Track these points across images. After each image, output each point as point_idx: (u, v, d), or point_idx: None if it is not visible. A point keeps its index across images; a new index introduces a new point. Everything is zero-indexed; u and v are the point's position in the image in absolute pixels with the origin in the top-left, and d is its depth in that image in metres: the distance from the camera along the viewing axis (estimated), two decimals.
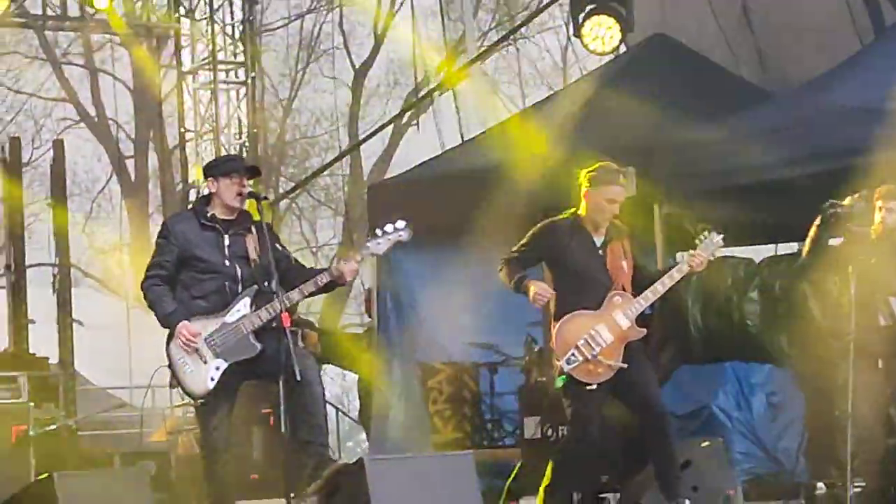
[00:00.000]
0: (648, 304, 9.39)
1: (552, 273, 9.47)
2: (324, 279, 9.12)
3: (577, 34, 13.81)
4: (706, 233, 9.42)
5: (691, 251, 9.42)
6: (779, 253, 12.94)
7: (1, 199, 16.14)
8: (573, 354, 9.23)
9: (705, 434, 10.56)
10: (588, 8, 13.63)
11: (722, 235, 9.45)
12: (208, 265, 9.12)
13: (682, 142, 12.03)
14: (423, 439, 12.84)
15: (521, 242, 9.55)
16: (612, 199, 9.39)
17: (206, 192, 9.47)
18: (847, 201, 9.94)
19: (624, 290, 9.37)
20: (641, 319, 9.46)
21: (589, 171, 9.49)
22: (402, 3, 27.63)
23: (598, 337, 9.26)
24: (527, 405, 12.08)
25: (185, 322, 9.03)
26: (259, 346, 9.07)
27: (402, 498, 8.62)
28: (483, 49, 22.24)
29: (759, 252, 13.04)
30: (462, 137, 15.80)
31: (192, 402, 9.55)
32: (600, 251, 9.42)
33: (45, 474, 8.15)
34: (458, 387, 13.13)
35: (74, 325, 15.84)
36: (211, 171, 9.40)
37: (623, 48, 14.06)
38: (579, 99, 13.74)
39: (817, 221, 10.03)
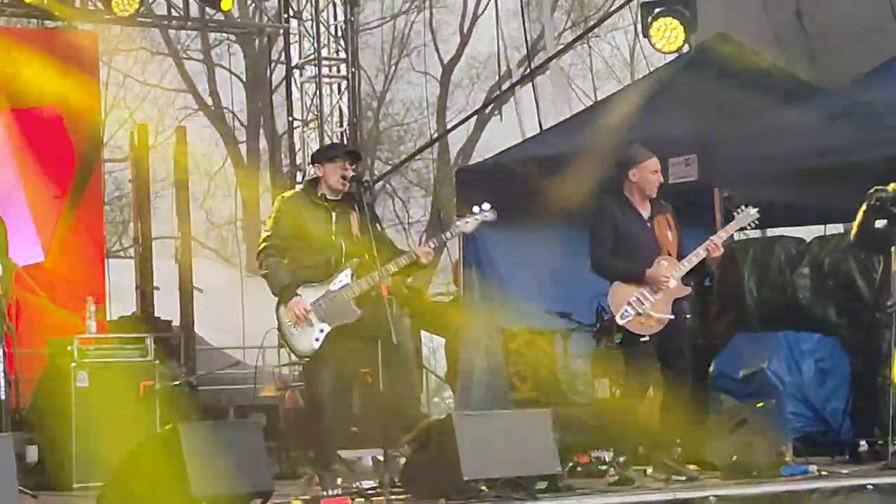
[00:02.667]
0: (692, 265, 9.58)
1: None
2: (404, 260, 9.21)
3: (646, 34, 13.72)
4: (742, 206, 9.67)
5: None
6: (827, 233, 12.81)
7: (130, 178, 16.24)
8: (626, 310, 9.45)
9: (760, 396, 10.50)
10: (655, 10, 13.56)
11: (756, 210, 9.66)
12: (316, 239, 9.17)
13: (738, 131, 11.96)
14: (503, 397, 12.82)
15: (600, 233, 9.60)
16: (654, 169, 9.63)
17: (313, 175, 9.54)
18: (891, 187, 9.95)
19: (669, 255, 9.57)
20: (702, 292, 9.59)
21: (626, 155, 9.64)
22: (486, 5, 27.60)
23: (648, 294, 9.42)
24: (597, 368, 12.11)
25: (298, 298, 9.08)
26: (359, 311, 9.12)
27: (486, 449, 8.59)
28: (559, 47, 22.13)
29: (809, 232, 12.94)
30: (540, 126, 15.68)
31: (298, 360, 9.59)
32: (648, 223, 9.59)
33: (170, 425, 8.17)
34: (535, 350, 13.08)
35: (194, 291, 15.92)
36: (318, 156, 9.47)
37: (686, 47, 13.94)
38: (646, 92, 13.68)
39: (863, 205, 10.00)
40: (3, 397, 8.56)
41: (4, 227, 8.91)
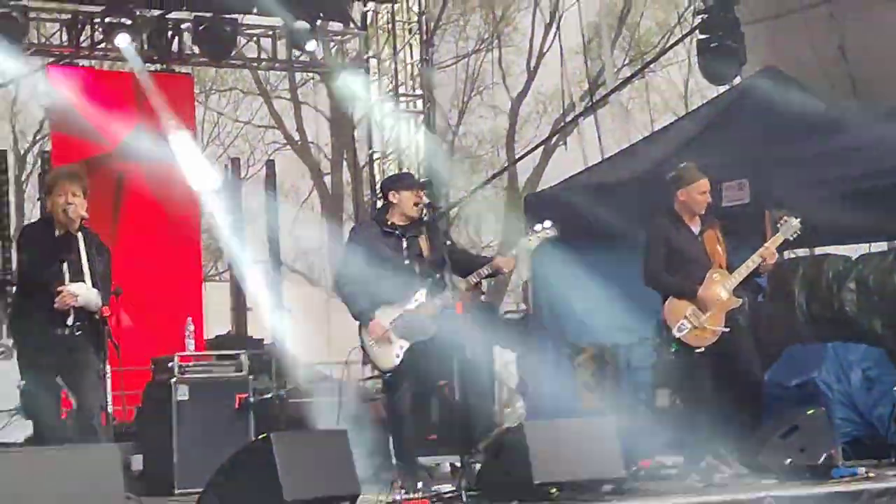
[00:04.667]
0: (742, 277, 9.44)
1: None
2: (486, 271, 9.17)
3: (700, 68, 13.69)
4: (785, 218, 9.55)
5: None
6: (872, 251, 12.68)
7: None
8: (682, 324, 9.36)
9: (810, 403, 10.37)
10: (709, 46, 13.51)
11: (799, 220, 9.56)
12: (390, 263, 9.15)
13: (787, 156, 11.86)
14: (571, 406, 12.75)
15: (654, 249, 9.53)
16: (703, 191, 9.52)
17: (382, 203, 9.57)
18: None
19: (721, 267, 9.45)
20: (755, 307, 9.50)
21: (676, 174, 9.57)
22: (550, 44, 27.54)
23: (703, 307, 9.35)
24: (658, 378, 12.03)
25: (376, 321, 9.08)
26: (435, 327, 9.09)
27: (555, 455, 8.54)
28: (619, 82, 22.06)
29: (855, 250, 12.82)
30: (602, 155, 15.67)
31: (381, 375, 9.59)
32: (698, 238, 9.50)
33: (263, 434, 8.19)
34: (600, 362, 13.01)
35: (284, 311, 15.96)
36: (394, 185, 9.45)
37: (738, 79, 13.85)
38: (699, 122, 13.61)
39: None
40: (110, 411, 8.57)
41: (110, 254, 8.96)
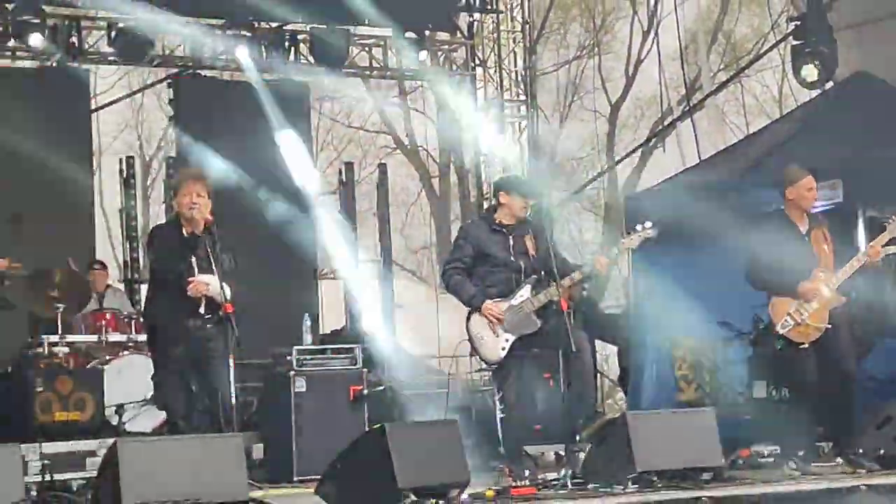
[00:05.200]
0: (846, 276, 9.33)
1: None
2: (585, 271, 9.18)
3: (793, 73, 13.56)
4: (893, 217, 9.40)
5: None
6: None
7: (338, 210, 16.43)
8: (786, 320, 9.27)
9: None
10: (802, 51, 13.38)
11: None
12: (497, 260, 9.22)
13: (879, 158, 11.72)
14: (670, 398, 12.70)
15: (757, 244, 9.46)
16: (809, 187, 9.44)
17: (492, 203, 9.61)
18: None
19: (826, 266, 9.36)
20: (849, 303, 9.40)
21: (783, 175, 9.52)
22: (648, 51, 27.40)
23: (807, 304, 9.24)
24: (754, 371, 11.96)
25: (489, 302, 9.11)
26: (539, 322, 9.12)
27: (656, 444, 8.52)
28: (715, 86, 21.91)
29: None
30: (699, 157, 15.55)
31: (487, 367, 9.61)
32: (805, 237, 9.40)
33: (378, 425, 8.24)
34: (698, 356, 12.95)
35: (395, 307, 16.03)
36: (505, 187, 9.49)
37: (830, 83, 13.70)
38: (793, 124, 13.50)
39: None
40: (233, 402, 8.69)
41: (234, 253, 9.08)
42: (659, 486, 8.31)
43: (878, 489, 8.37)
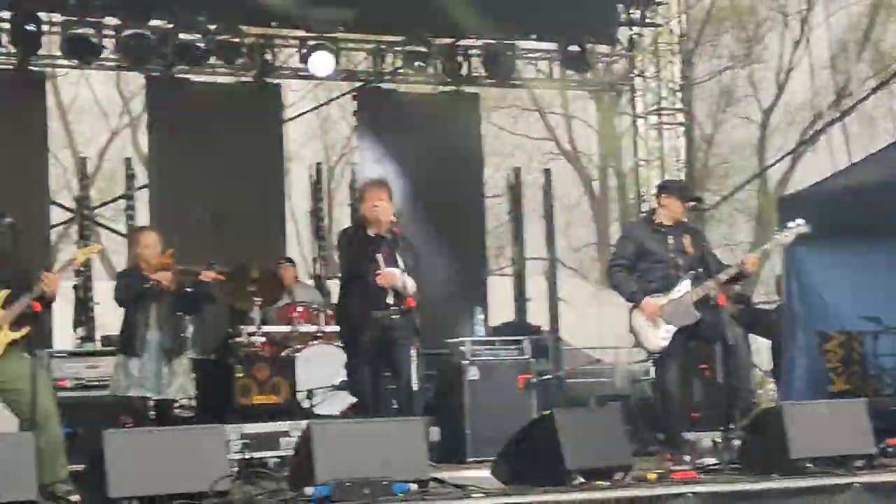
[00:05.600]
0: None
1: None
2: (734, 270, 9.13)
3: None
4: None
5: None
6: None
7: (507, 212, 16.49)
8: None
9: None
10: None
11: None
12: (657, 257, 9.23)
13: None
14: (821, 390, 12.48)
15: None
16: None
17: (652, 206, 9.59)
18: None
19: None
20: None
21: None
22: (799, 59, 26.97)
23: None
24: None
25: (648, 299, 9.11)
26: (698, 314, 9.09)
27: (810, 433, 8.42)
28: (865, 92, 21.46)
29: None
30: (849, 160, 15.26)
31: (647, 358, 9.59)
32: None
33: (547, 411, 8.29)
34: (848, 349, 12.68)
35: (559, 302, 16.03)
36: (666, 190, 9.49)
37: None
38: None
39: None
40: (415, 388, 8.80)
41: (415, 253, 9.22)
42: (813, 472, 8.21)
43: None
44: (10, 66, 13.50)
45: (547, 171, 17.10)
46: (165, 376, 9.72)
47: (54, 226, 14.80)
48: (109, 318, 11.49)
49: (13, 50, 13.36)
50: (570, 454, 7.80)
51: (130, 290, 9.73)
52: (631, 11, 15.94)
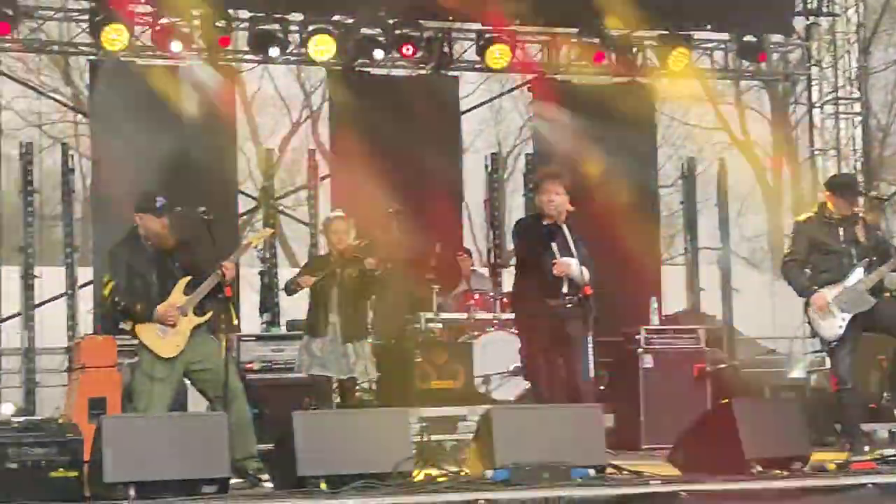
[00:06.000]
0: None
1: None
2: None
3: None
4: None
5: None
6: None
7: (680, 201, 16.34)
8: None
9: None
10: None
11: None
12: (829, 248, 9.24)
13: None
14: None
15: None
16: None
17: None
18: None
19: None
20: None
21: None
22: None
23: None
24: None
25: (818, 293, 9.07)
26: (874, 300, 9.06)
27: None
28: None
29: None
30: None
31: (822, 348, 9.50)
32: None
33: (725, 399, 8.24)
34: None
35: (733, 292, 15.83)
36: (832, 188, 9.53)
37: None
38: None
39: None
40: (591, 376, 8.82)
41: (587, 245, 9.22)
42: None
43: None
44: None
45: (721, 161, 16.89)
46: (349, 357, 9.89)
47: (241, 215, 15.18)
48: (293, 302, 11.74)
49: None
50: (748, 443, 7.76)
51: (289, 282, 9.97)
52: (808, 1, 15.67)
